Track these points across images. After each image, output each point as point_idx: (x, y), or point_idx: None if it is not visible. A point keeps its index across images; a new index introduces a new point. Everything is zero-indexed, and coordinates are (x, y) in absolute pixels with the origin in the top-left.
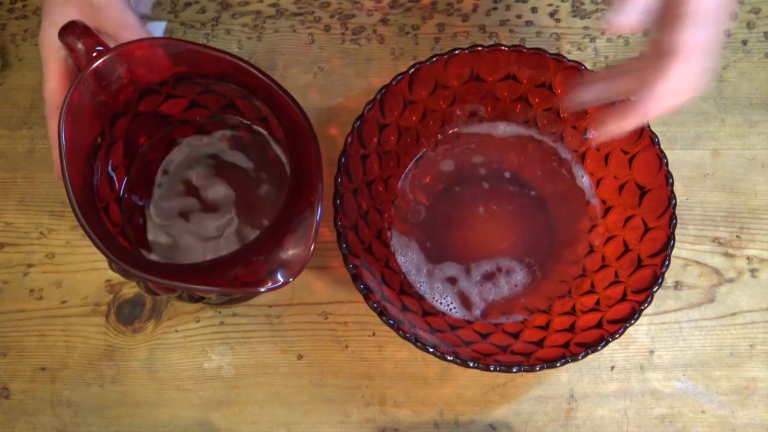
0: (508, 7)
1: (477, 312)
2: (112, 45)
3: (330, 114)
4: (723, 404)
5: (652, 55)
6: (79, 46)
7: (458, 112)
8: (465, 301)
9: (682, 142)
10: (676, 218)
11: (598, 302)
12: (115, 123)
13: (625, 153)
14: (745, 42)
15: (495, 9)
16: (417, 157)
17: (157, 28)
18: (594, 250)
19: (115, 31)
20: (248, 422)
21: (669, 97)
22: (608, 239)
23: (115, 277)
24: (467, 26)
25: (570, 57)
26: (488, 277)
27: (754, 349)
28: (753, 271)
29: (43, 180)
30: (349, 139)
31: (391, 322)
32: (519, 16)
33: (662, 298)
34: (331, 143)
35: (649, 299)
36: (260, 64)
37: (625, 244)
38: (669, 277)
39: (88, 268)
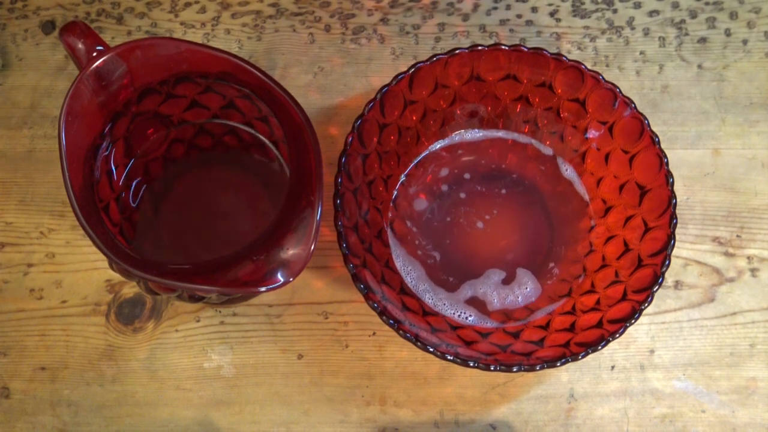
0: (508, 7)
1: (491, 322)
2: None
3: (330, 114)
4: (723, 404)
5: None
6: (79, 46)
7: (458, 111)
8: (481, 311)
9: (683, 142)
10: (676, 218)
11: (598, 302)
12: (115, 123)
13: (626, 153)
14: (745, 42)
15: (495, 9)
16: (412, 163)
17: None
18: (594, 249)
19: None
20: (248, 422)
21: None
22: (608, 239)
23: (115, 276)
24: (467, 26)
25: (570, 57)
26: (501, 284)
27: (755, 348)
28: (753, 271)
29: (44, 180)
30: (349, 139)
31: (391, 321)
32: (519, 16)
33: (662, 298)
34: (331, 143)
35: (650, 299)
36: (260, 64)
37: (626, 244)
38: (669, 277)
39: (88, 268)
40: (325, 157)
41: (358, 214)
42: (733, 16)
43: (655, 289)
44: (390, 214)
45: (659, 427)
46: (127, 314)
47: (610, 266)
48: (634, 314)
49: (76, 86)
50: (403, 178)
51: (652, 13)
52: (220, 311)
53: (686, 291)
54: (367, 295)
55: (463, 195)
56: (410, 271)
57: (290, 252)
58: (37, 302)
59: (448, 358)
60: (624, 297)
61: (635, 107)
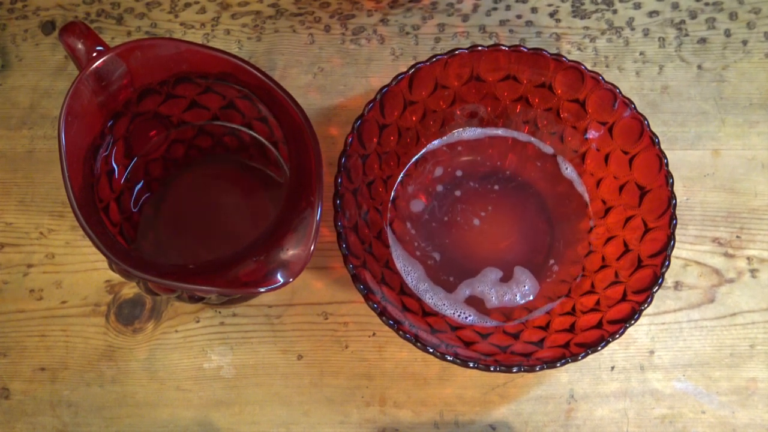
0: (508, 7)
1: (491, 321)
2: None
3: (330, 114)
4: (723, 404)
5: None
6: (79, 46)
7: (458, 112)
8: (480, 311)
9: (682, 143)
10: (676, 218)
11: (598, 302)
12: (115, 123)
13: (626, 153)
14: (745, 42)
15: (495, 9)
16: (411, 162)
17: None
18: (594, 250)
19: None
20: (248, 422)
21: None
22: (608, 239)
23: (115, 277)
24: (467, 26)
25: (570, 57)
26: (498, 282)
27: (754, 349)
28: (753, 272)
29: (43, 180)
30: (349, 139)
31: (390, 322)
32: (519, 16)
33: (662, 299)
34: (331, 143)
35: (649, 299)
36: (260, 64)
37: (625, 245)
38: (669, 278)
39: (88, 269)
40: (325, 158)
41: (358, 215)
42: (733, 16)
43: (654, 290)
44: (390, 215)
45: (659, 427)
46: (126, 315)
47: (609, 267)
48: (633, 315)
49: (76, 86)
50: (401, 177)
51: (652, 13)
52: (219, 312)
53: (686, 292)
54: (367, 295)
55: (459, 193)
56: (410, 272)
57: (290, 252)
58: (36, 303)
59: (448, 358)
60: (624, 298)
61: (635, 108)
